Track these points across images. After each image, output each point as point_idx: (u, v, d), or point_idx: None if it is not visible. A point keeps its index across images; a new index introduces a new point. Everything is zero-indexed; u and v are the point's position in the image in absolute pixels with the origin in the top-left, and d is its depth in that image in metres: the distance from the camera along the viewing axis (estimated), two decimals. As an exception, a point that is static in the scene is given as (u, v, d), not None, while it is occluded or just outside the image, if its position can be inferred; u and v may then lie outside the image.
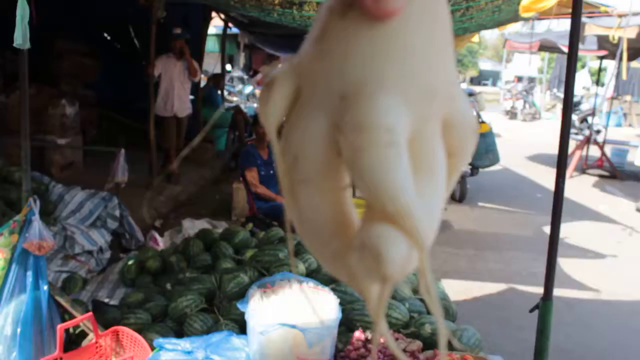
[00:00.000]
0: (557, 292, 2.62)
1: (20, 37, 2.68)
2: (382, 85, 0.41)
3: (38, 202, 2.96)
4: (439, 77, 0.43)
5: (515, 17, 5.65)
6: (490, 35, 49.92)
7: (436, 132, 0.45)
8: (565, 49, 2.40)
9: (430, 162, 0.43)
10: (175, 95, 7.61)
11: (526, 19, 6.59)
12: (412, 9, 0.42)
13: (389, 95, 0.41)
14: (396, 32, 0.41)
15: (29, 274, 2.88)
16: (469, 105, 0.48)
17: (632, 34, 8.39)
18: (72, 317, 3.02)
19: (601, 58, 13.23)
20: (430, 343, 3.29)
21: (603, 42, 10.29)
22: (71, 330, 3.11)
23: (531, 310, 2.56)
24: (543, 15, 6.20)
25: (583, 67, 28.17)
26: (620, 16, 8.05)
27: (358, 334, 2.94)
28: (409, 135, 0.42)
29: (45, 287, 2.94)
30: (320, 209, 0.44)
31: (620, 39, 8.25)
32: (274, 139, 0.45)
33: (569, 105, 2.32)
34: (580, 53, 13.45)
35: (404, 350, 2.82)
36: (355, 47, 0.41)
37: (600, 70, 14.01)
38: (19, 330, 2.80)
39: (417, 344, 2.93)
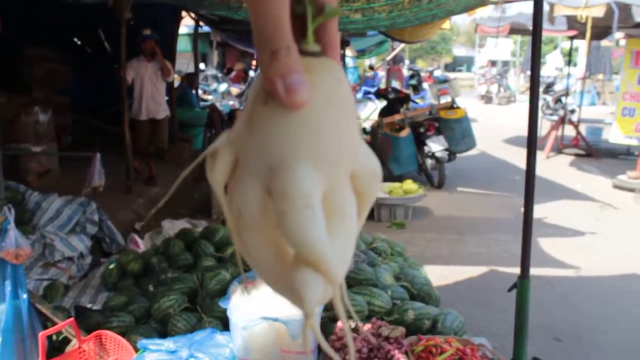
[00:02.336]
0: (537, 271, 2.66)
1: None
2: (298, 158, 0.50)
3: (13, 211, 2.94)
4: (344, 144, 0.54)
5: (484, 1, 5.68)
6: (462, 22, 50.20)
7: (345, 183, 0.54)
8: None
9: (341, 209, 0.53)
10: (149, 97, 7.56)
11: (495, 3, 6.63)
12: (318, 97, 0.51)
13: (305, 166, 0.50)
14: (307, 115, 0.51)
15: (7, 283, 2.86)
16: (370, 155, 0.58)
17: (600, 13, 8.49)
18: (54, 324, 3.00)
19: (572, 38, 13.36)
20: (414, 329, 3.32)
21: (572, 22, 10.39)
22: (54, 337, 3.10)
23: (509, 290, 2.60)
24: (510, -3, 6.25)
25: (555, 48, 28.43)
26: (586, -4, 8.15)
27: (341, 324, 2.96)
28: (323, 192, 0.52)
29: (25, 296, 2.92)
30: (263, 248, 0.54)
31: (587, 18, 8.35)
32: (222, 197, 0.55)
33: (535, 82, 2.35)
34: (550, 34, 13.63)
35: (387, 337, 2.84)
36: (275, 128, 0.51)
37: (571, 50, 14.13)
38: (0, 339, 2.79)
39: (401, 330, 2.95)
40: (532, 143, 2.38)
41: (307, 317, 0.52)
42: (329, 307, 2.96)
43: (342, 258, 0.53)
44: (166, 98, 8.02)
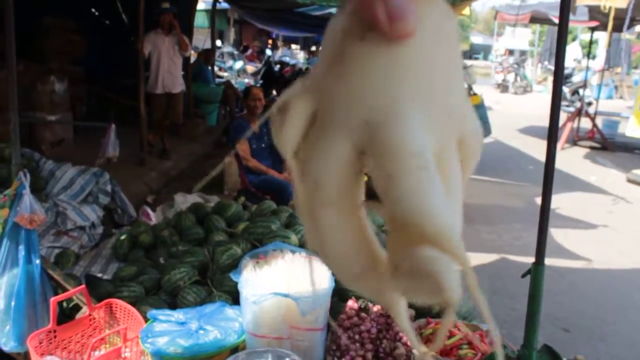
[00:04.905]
0: (548, 261, 2.63)
1: None
2: (408, 106, 0.41)
3: (28, 176, 2.94)
4: (454, 97, 0.44)
5: (506, -13, 5.60)
6: (481, 9, 49.77)
7: (454, 148, 0.45)
8: (556, 20, 2.39)
9: (451, 178, 0.44)
10: (166, 71, 7.55)
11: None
12: (426, 31, 0.42)
13: (414, 117, 0.41)
14: (414, 52, 0.41)
15: (21, 247, 2.87)
16: (475, 115, 0.48)
17: (623, 4, 8.38)
18: (65, 290, 3.01)
19: (592, 30, 13.21)
20: (422, 312, 3.31)
21: (594, 12, 10.27)
22: (64, 304, 3.11)
23: (523, 276, 2.57)
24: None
25: (574, 39, 28.12)
26: (610, -15, 8.03)
27: (351, 303, 2.95)
28: (433, 152, 0.42)
29: (38, 261, 2.93)
30: (342, 230, 0.44)
31: (610, 8, 8.24)
32: (293, 164, 0.43)
33: (559, 74, 2.31)
34: (571, 24, 13.46)
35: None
36: (377, 70, 0.41)
37: (591, 42, 13.97)
38: (12, 303, 2.80)
39: (410, 312, 2.94)
40: (552, 132, 2.35)
41: (451, 306, 0.43)
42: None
43: (459, 235, 0.44)
44: (182, 73, 8.01)
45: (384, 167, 0.41)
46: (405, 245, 0.41)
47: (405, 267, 0.41)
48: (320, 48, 0.43)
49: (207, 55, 11.27)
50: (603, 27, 10.90)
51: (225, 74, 15.62)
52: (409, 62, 0.41)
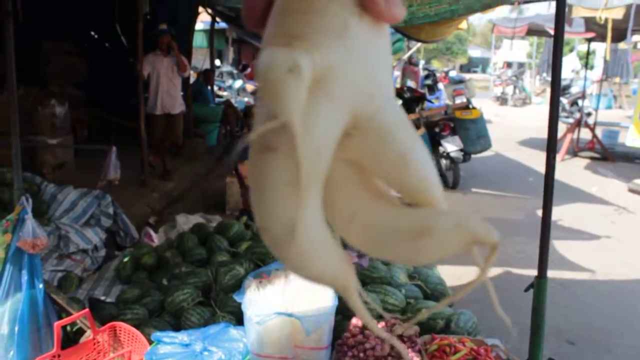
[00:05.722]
0: (552, 273, 2.64)
1: None
2: (390, 90, 0.44)
3: (30, 201, 2.95)
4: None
5: (502, 0, 5.65)
6: (478, 22, 50.02)
7: None
8: (553, 32, 2.42)
9: None
10: (165, 92, 7.58)
11: (512, 2, 6.60)
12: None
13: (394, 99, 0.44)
14: (386, 41, 0.45)
15: (24, 272, 2.87)
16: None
17: (619, 15, 8.42)
18: (68, 314, 3.01)
19: (589, 40, 13.26)
20: (427, 328, 3.30)
21: (590, 24, 10.32)
22: (68, 327, 3.11)
23: (526, 290, 2.58)
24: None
25: (571, 50, 28.23)
26: (606, -3, 8.09)
27: (355, 321, 2.95)
28: None
29: (41, 285, 2.93)
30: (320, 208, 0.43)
31: (606, 19, 8.29)
32: (300, 131, 0.39)
33: (556, 84, 2.33)
34: (567, 36, 13.50)
35: (401, 335, 2.83)
36: (379, 47, 0.43)
37: (588, 53, 14.03)
38: (16, 328, 2.80)
39: (414, 329, 2.94)
40: (551, 144, 2.37)
41: (496, 247, 0.47)
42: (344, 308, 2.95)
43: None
44: (182, 93, 8.04)
45: (392, 145, 0.42)
46: (423, 208, 0.45)
47: (441, 225, 0.43)
48: (308, 12, 0.42)
49: (207, 75, 11.33)
50: (599, 38, 10.95)
51: (225, 93, 15.68)
52: (385, 50, 0.45)
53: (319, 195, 0.43)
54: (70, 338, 3.08)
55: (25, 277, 2.86)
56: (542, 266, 2.50)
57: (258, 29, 0.46)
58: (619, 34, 10.70)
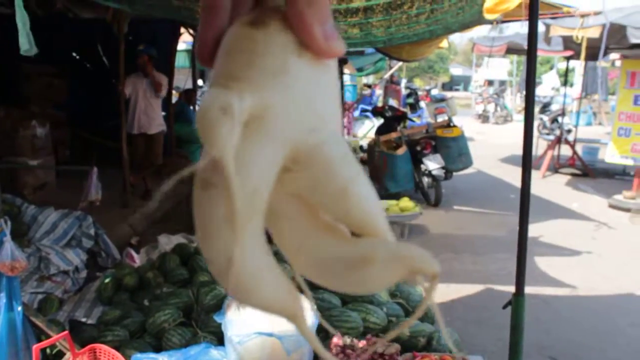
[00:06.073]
0: (533, 290, 2.67)
1: (26, 44, 2.66)
2: (333, 124, 0.45)
3: (9, 223, 2.94)
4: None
5: (480, 20, 5.73)
6: (459, 41, 50.52)
7: None
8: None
9: None
10: (142, 112, 7.59)
11: (490, 22, 6.69)
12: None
13: (339, 133, 0.45)
14: (331, 76, 0.46)
15: (2, 295, 2.85)
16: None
17: (595, 34, 8.56)
18: (48, 337, 2.99)
19: (568, 59, 13.44)
20: (409, 346, 3.31)
21: (568, 42, 10.46)
22: (48, 350, 3.09)
23: (505, 307, 2.60)
24: (507, 17, 6.31)
25: (552, 68, 28.60)
26: (582, 16, 8.22)
27: (336, 340, 2.96)
28: None
29: (20, 308, 2.91)
30: (262, 238, 0.45)
31: (582, 38, 8.43)
32: (231, 170, 0.41)
33: (530, 104, 2.37)
34: (546, 54, 13.71)
35: (382, 354, 2.84)
36: (318, 84, 0.44)
37: (567, 70, 14.22)
38: (-6, 352, 2.78)
39: (396, 347, 2.95)
40: (527, 160, 2.40)
41: (436, 277, 0.46)
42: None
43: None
44: (163, 114, 8.04)
45: (342, 172, 0.43)
46: (364, 239, 0.45)
47: (381, 254, 0.43)
48: (238, 52, 0.44)
49: (189, 95, 11.32)
50: (578, 56, 11.10)
51: (208, 113, 15.63)
52: (330, 84, 0.46)
53: (260, 228, 0.44)
54: (50, 361, 3.06)
55: (3, 300, 2.84)
56: (520, 283, 2.52)
57: (209, 66, 0.48)
58: (595, 52, 10.86)
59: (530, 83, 2.34)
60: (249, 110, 0.42)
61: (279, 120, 0.43)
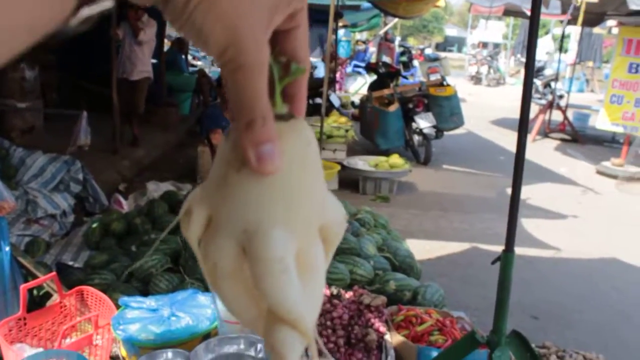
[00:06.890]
0: (518, 250, 2.67)
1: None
2: (272, 223, 0.52)
3: (-3, 162, 2.91)
4: (315, 203, 0.55)
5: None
6: (456, 1, 49.95)
7: (316, 239, 0.56)
8: (529, 13, 2.43)
9: (313, 264, 0.55)
10: (127, 57, 7.55)
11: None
12: (290, 162, 0.53)
13: (279, 230, 0.52)
14: (280, 181, 0.52)
15: (-10, 234, 2.84)
16: (336, 205, 0.59)
17: (595, -1, 8.50)
18: (35, 278, 2.99)
19: (565, 24, 13.33)
20: (394, 299, 3.34)
21: (566, 6, 10.38)
22: (35, 291, 3.09)
23: (493, 262, 2.61)
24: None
25: (547, 33, 28.39)
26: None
27: (323, 290, 2.98)
28: (296, 251, 0.54)
29: (7, 248, 2.90)
30: (239, 294, 0.56)
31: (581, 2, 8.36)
32: (197, 250, 0.55)
33: (530, 67, 2.34)
34: (543, 17, 13.56)
35: (369, 305, 2.86)
36: (249, 195, 0.52)
37: (563, 36, 14.12)
38: (-20, 291, 2.77)
39: (382, 299, 2.97)
40: (523, 124, 2.39)
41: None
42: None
43: (314, 311, 0.56)
44: (153, 61, 7.95)
45: (254, 268, 0.51)
46: (273, 322, 0.53)
47: (268, 343, 0.54)
48: (213, 165, 0.56)
49: (181, 44, 11.19)
50: (575, 20, 11.02)
51: (199, 63, 15.51)
52: (275, 188, 0.52)
53: (232, 278, 0.55)
54: (37, 302, 3.05)
55: (-10, 240, 2.83)
56: (510, 240, 2.53)
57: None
58: (593, 19, 10.77)
59: (531, 47, 2.30)
60: (204, 213, 0.55)
61: (222, 221, 0.54)
